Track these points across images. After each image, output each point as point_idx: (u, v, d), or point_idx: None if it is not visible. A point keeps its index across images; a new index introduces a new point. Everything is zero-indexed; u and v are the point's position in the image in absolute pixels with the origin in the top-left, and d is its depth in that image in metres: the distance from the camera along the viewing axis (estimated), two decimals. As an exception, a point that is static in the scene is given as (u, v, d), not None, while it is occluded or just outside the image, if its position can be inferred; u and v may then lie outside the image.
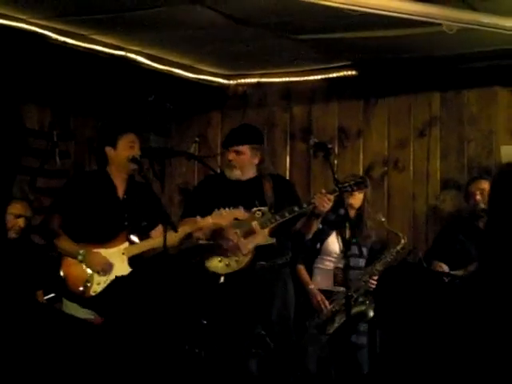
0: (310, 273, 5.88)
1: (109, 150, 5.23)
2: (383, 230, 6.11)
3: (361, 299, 5.69)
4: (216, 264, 5.19)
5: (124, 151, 5.19)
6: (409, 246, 6.54)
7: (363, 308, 5.68)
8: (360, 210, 5.91)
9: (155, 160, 7.33)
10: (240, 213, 5.09)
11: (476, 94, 6.76)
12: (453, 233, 6.01)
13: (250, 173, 5.37)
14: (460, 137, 6.82)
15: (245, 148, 5.31)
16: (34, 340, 2.61)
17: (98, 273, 5.06)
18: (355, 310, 5.65)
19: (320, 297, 5.74)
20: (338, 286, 5.72)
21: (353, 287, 5.64)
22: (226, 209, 5.07)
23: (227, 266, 5.17)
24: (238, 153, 5.29)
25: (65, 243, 5.15)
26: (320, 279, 5.84)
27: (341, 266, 5.63)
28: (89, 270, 5.05)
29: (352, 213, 5.83)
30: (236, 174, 5.33)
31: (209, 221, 5.06)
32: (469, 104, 6.79)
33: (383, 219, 5.89)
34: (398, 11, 4.82)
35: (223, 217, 5.05)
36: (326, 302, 5.71)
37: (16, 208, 5.73)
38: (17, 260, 5.46)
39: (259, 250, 5.18)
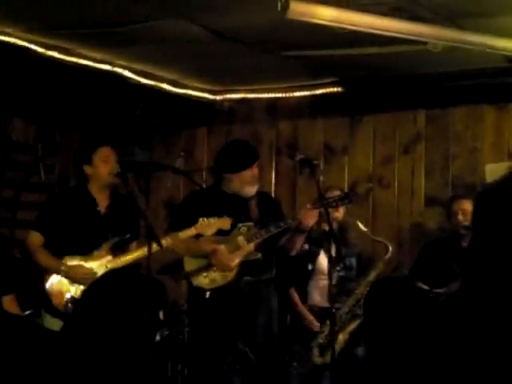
0: (304, 294, 5.86)
1: (86, 167, 5.22)
2: (367, 239, 6.10)
3: (359, 312, 5.69)
4: (201, 279, 5.18)
5: (100, 167, 5.18)
6: (394, 263, 6.56)
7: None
8: (342, 221, 5.93)
9: (140, 174, 7.32)
10: (224, 222, 5.08)
11: (462, 111, 6.79)
12: (435, 251, 6.03)
13: None
14: (445, 154, 6.84)
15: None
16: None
17: (83, 284, 5.02)
18: (357, 322, 5.66)
19: (310, 317, 5.74)
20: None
21: (351, 300, 5.65)
22: (211, 218, 5.05)
23: (212, 281, 5.16)
24: (256, 166, 5.32)
25: (45, 259, 5.12)
26: (316, 297, 5.85)
27: (333, 282, 5.63)
28: (72, 287, 5.02)
29: (334, 226, 5.84)
30: (255, 189, 5.33)
31: (192, 231, 5.05)
32: (454, 121, 6.83)
33: (365, 229, 5.90)
34: (384, 29, 4.85)
35: (207, 226, 5.04)
36: (315, 322, 5.70)
37: None
38: None
39: (244, 265, 5.17)
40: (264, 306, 5.27)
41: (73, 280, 5.03)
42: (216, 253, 5.10)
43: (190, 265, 5.24)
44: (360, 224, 5.92)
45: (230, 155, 5.35)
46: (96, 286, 2.60)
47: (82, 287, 5.00)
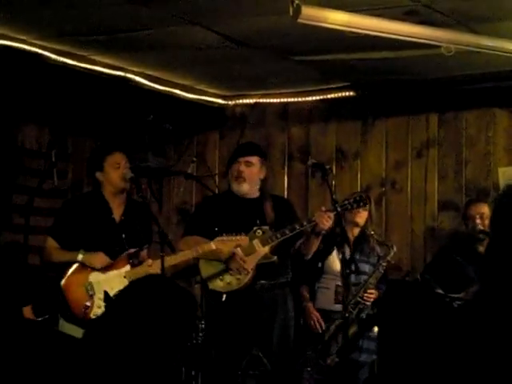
0: (314, 293, 5.85)
1: (98, 174, 5.25)
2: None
3: (362, 314, 5.68)
4: (217, 282, 5.18)
5: (111, 173, 5.20)
6: (407, 268, 6.55)
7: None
8: (364, 227, 5.91)
9: (153, 180, 7.34)
10: (243, 240, 5.08)
11: (474, 115, 6.78)
12: (450, 255, 6.00)
13: (255, 190, 5.36)
14: (458, 158, 6.82)
15: (255, 159, 5.32)
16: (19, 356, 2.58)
17: (99, 270, 5.04)
18: (355, 328, 5.65)
19: (316, 316, 5.72)
20: (338, 305, 5.70)
21: (349, 305, 5.64)
22: (229, 235, 5.05)
23: (228, 284, 5.16)
24: (248, 164, 5.28)
25: (60, 253, 5.14)
26: (322, 298, 5.83)
27: (340, 284, 5.62)
28: (90, 293, 5.04)
29: (357, 230, 5.85)
30: (244, 189, 5.30)
31: (211, 247, 5.04)
32: (467, 125, 6.81)
33: (372, 232, 5.88)
34: (397, 33, 4.84)
35: (225, 243, 5.04)
36: (322, 321, 5.69)
37: None
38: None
39: (260, 269, 5.17)
40: (280, 310, 5.27)
41: (90, 264, 5.03)
42: (233, 256, 5.10)
43: (206, 269, 5.25)
44: (369, 227, 5.91)
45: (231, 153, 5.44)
46: (128, 293, 2.59)
47: (100, 295, 5.03)
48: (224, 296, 5.14)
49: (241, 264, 5.09)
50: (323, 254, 5.81)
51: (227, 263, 5.13)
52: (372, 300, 5.70)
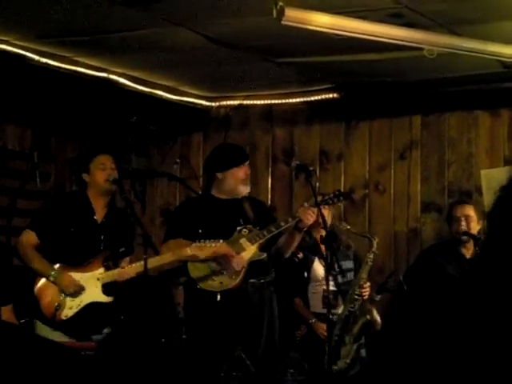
0: (306, 302, 5.86)
1: (85, 176, 5.28)
2: (352, 237, 6.06)
3: (357, 312, 5.69)
4: (210, 282, 5.16)
5: (96, 175, 5.22)
6: (390, 269, 6.57)
7: (367, 317, 5.66)
8: (331, 226, 5.89)
9: (136, 181, 7.32)
10: (220, 246, 5.04)
11: (457, 117, 6.81)
12: (433, 257, 6.00)
13: None
14: (440, 160, 6.86)
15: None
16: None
17: (69, 295, 5.04)
18: (360, 322, 5.65)
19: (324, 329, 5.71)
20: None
21: (348, 303, 5.65)
22: (207, 241, 5.01)
23: (221, 283, 5.15)
24: (248, 168, 5.34)
25: (38, 263, 5.13)
26: (314, 304, 5.84)
27: (330, 288, 5.62)
28: (62, 294, 5.02)
29: (323, 231, 5.82)
30: (248, 189, 5.34)
31: (187, 252, 5.01)
32: (449, 127, 6.84)
33: (348, 227, 5.88)
34: (380, 35, 4.86)
35: (202, 249, 5.00)
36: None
37: None
38: None
39: (250, 268, 5.17)
40: (267, 310, 5.28)
41: (60, 287, 5.04)
42: (226, 255, 5.08)
43: (194, 270, 5.22)
44: (343, 223, 5.92)
45: (222, 154, 5.42)
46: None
47: (70, 298, 5.03)
48: (218, 296, 5.12)
49: (234, 262, 5.08)
50: (307, 262, 5.82)
51: (219, 263, 5.12)
52: (368, 294, 5.72)
